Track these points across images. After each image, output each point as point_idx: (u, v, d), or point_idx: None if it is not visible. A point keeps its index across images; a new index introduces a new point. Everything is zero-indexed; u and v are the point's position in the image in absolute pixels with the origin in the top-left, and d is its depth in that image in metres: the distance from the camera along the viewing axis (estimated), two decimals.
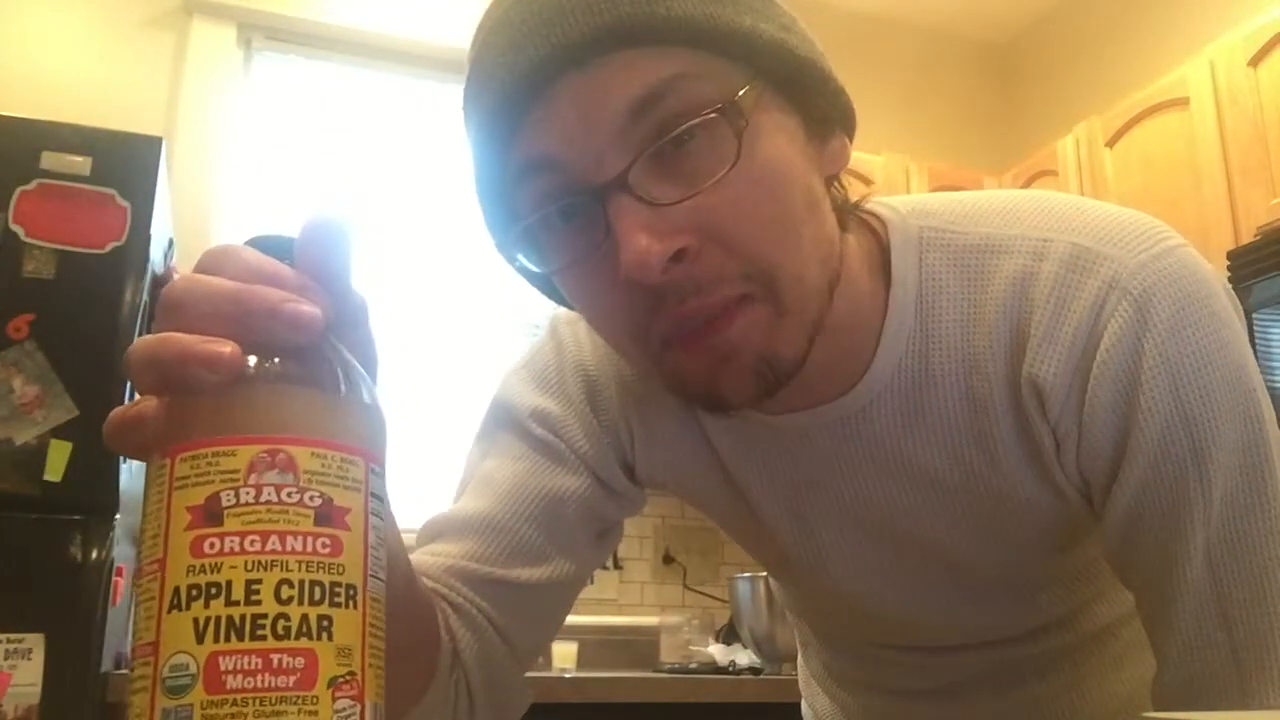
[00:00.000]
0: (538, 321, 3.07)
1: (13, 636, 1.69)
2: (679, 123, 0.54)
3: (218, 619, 0.35)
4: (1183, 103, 2.56)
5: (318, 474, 0.37)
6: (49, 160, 1.86)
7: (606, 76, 0.54)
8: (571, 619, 2.55)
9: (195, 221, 2.71)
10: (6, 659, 1.67)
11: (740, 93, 0.55)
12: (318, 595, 0.36)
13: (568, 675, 2.18)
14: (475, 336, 3.00)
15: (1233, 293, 0.67)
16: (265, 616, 0.35)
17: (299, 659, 0.35)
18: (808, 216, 0.58)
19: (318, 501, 0.37)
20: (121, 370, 1.84)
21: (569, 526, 0.74)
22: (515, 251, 0.62)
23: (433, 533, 0.78)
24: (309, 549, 0.36)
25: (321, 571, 0.36)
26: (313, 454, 0.37)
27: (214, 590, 0.35)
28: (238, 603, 0.35)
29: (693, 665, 2.46)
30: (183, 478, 0.37)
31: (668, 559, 2.95)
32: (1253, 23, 2.43)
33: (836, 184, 0.64)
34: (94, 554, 1.77)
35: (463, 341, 2.99)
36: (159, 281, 2.05)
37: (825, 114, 0.61)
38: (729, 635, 2.67)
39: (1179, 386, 0.59)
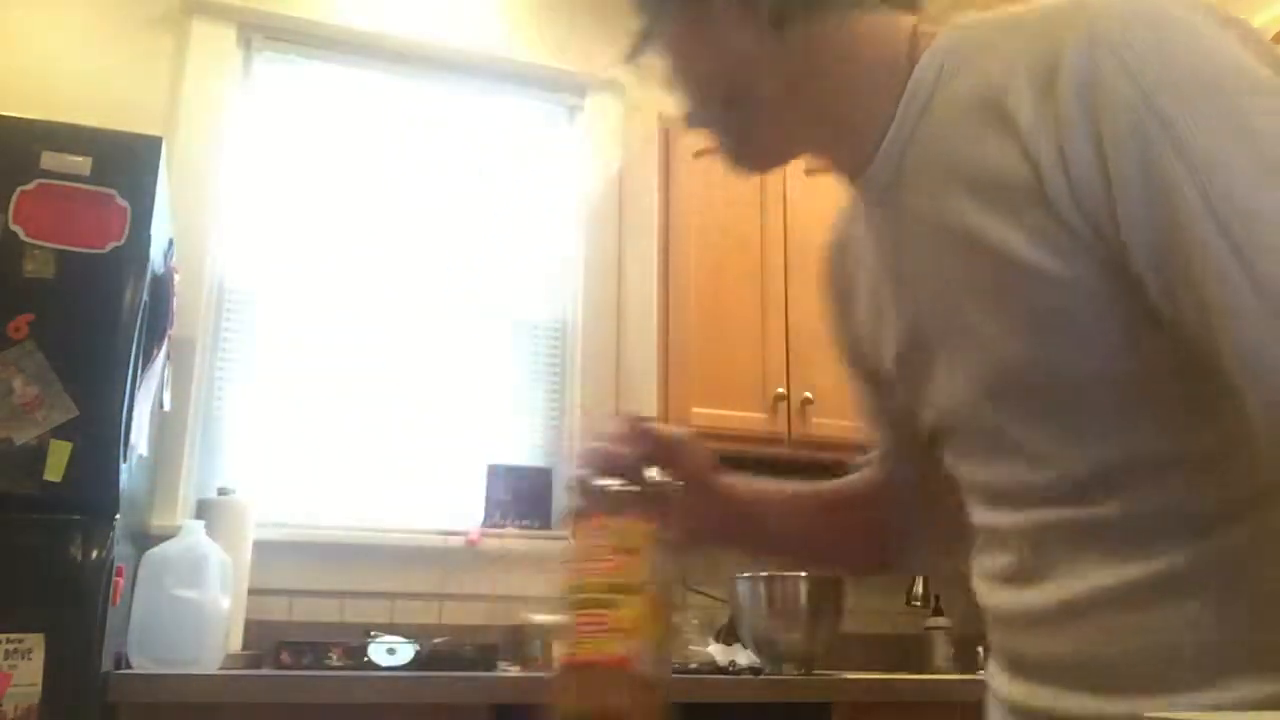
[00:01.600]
0: (534, 321, 3.07)
1: (13, 636, 1.69)
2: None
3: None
4: None
5: (615, 531, 0.81)
6: (49, 160, 1.86)
7: None
8: None
9: (195, 221, 2.71)
10: (6, 659, 1.67)
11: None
12: (607, 589, 0.80)
13: None
14: (472, 335, 3.00)
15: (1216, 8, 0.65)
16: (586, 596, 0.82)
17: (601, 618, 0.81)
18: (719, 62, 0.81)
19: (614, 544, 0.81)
20: (121, 370, 1.84)
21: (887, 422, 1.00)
22: None
23: None
24: (610, 566, 0.80)
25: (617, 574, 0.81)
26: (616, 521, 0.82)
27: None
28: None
29: (693, 665, 2.46)
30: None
31: None
32: (1253, 22, 2.43)
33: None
34: (94, 554, 1.77)
35: (461, 340, 2.98)
36: (159, 281, 2.05)
37: None
38: (729, 635, 2.67)
39: (1130, 72, 0.62)
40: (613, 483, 0.84)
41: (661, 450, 0.90)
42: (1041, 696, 0.76)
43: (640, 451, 0.88)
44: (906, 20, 0.78)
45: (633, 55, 0.86)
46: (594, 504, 0.84)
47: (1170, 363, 0.66)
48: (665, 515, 0.82)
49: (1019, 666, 0.79)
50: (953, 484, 0.84)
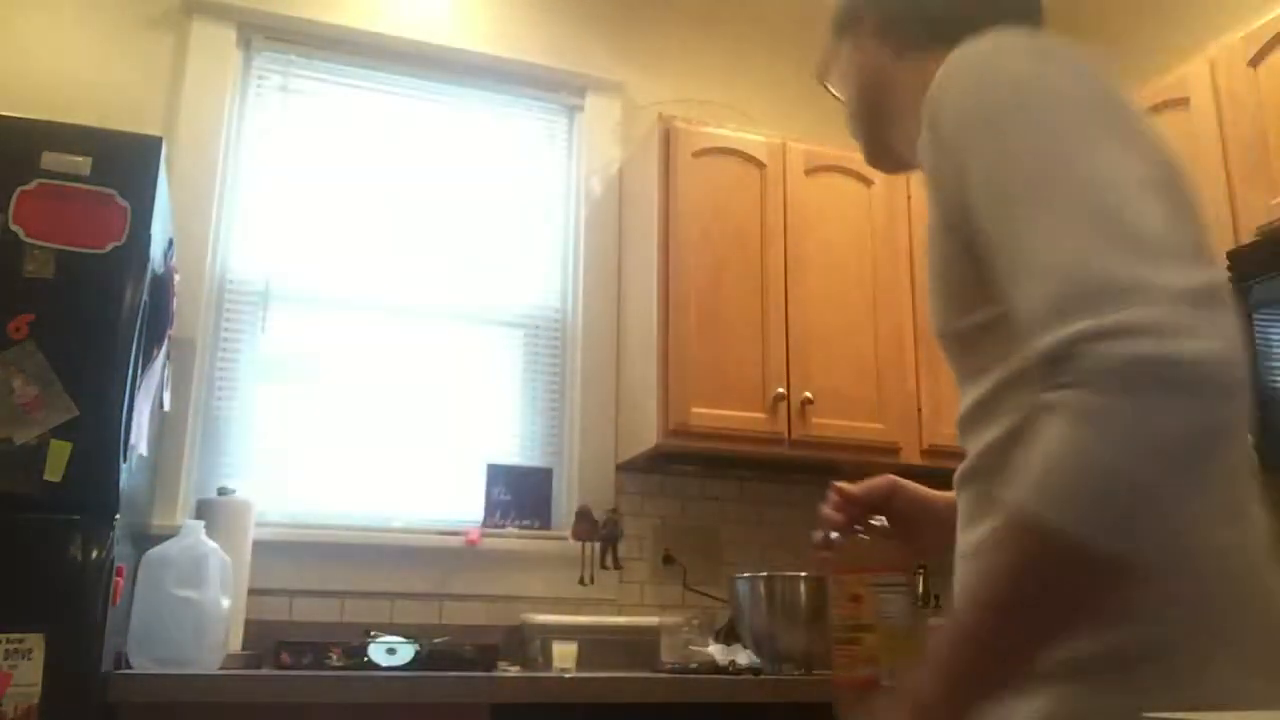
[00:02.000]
0: (534, 321, 3.07)
1: (13, 636, 1.69)
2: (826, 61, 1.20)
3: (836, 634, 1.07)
4: (1183, 103, 2.56)
5: (845, 583, 1.07)
6: (49, 160, 1.86)
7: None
8: (571, 619, 2.58)
9: (195, 221, 2.71)
10: (6, 659, 1.67)
11: (833, 43, 1.17)
12: (850, 625, 1.05)
13: (568, 675, 2.18)
14: (472, 334, 3.00)
15: (1044, 43, 0.91)
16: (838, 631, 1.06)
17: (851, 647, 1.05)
18: (861, 90, 1.13)
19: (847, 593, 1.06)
20: (121, 370, 1.84)
21: None
22: None
23: None
24: (846, 611, 1.05)
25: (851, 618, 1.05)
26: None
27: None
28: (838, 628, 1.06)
29: (693, 665, 2.46)
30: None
31: (668, 559, 2.95)
32: (1253, 23, 2.43)
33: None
34: (94, 554, 1.77)
35: (461, 340, 2.98)
36: (159, 281, 2.05)
37: (852, 13, 1.12)
38: (729, 635, 2.67)
39: (952, 110, 0.86)
40: (837, 537, 1.12)
41: (874, 504, 1.12)
42: None
43: (853, 514, 1.10)
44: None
45: (822, 75, 1.20)
46: (833, 559, 1.11)
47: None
48: (887, 558, 1.07)
49: None
50: None
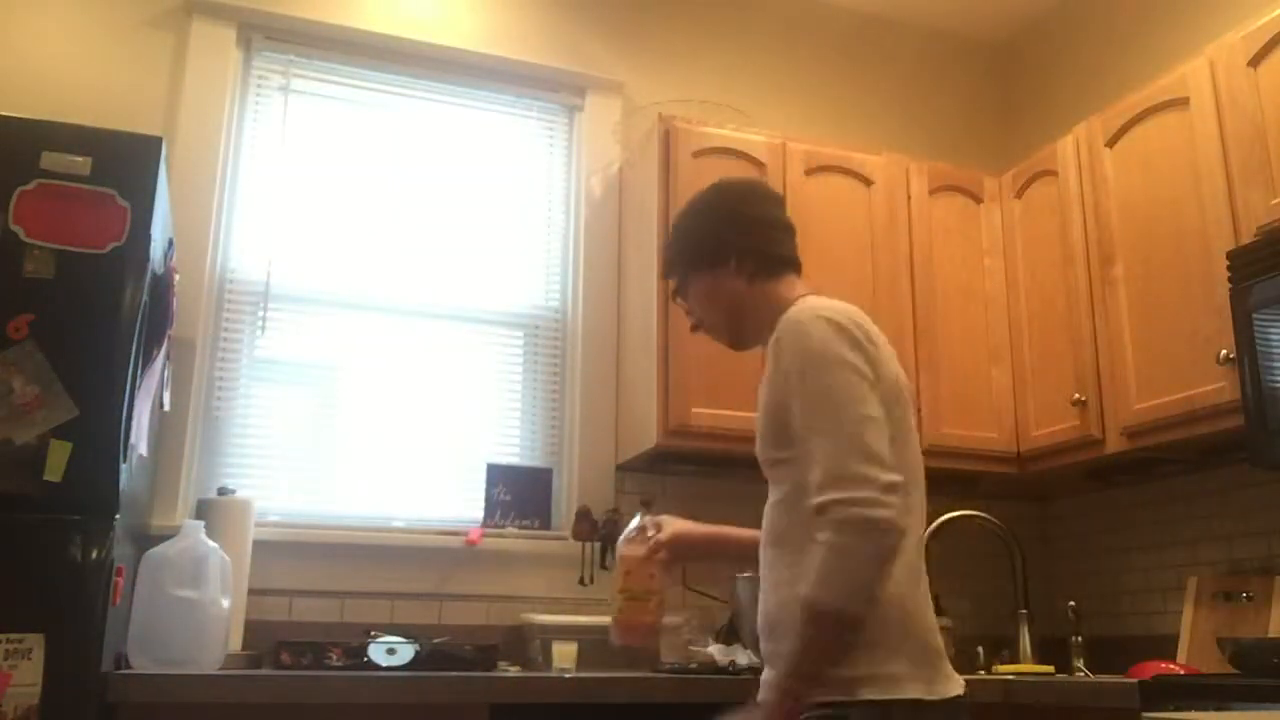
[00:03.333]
0: (534, 321, 3.07)
1: (13, 636, 1.69)
2: (677, 295, 1.78)
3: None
4: (1183, 103, 2.56)
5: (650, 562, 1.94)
6: (49, 160, 1.86)
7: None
8: (571, 619, 2.59)
9: (195, 221, 2.71)
10: (6, 659, 1.67)
11: (678, 284, 1.77)
12: (644, 589, 1.92)
13: (568, 675, 2.18)
14: (472, 334, 3.00)
15: (838, 321, 1.52)
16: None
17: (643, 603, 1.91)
18: (712, 308, 1.73)
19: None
20: (121, 370, 1.84)
21: None
22: None
23: None
24: (642, 581, 1.91)
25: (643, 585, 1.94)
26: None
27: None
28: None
29: (693, 665, 2.46)
30: None
31: None
32: (1253, 23, 2.43)
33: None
34: (94, 554, 1.77)
35: (461, 340, 2.98)
36: (159, 281, 2.05)
37: (715, 260, 1.69)
38: (729, 635, 2.67)
39: (785, 359, 1.52)
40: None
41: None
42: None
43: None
44: (799, 284, 1.70)
45: (675, 296, 1.78)
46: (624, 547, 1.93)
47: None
48: (656, 551, 1.89)
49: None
50: None
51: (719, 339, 1.74)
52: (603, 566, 2.80)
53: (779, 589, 1.52)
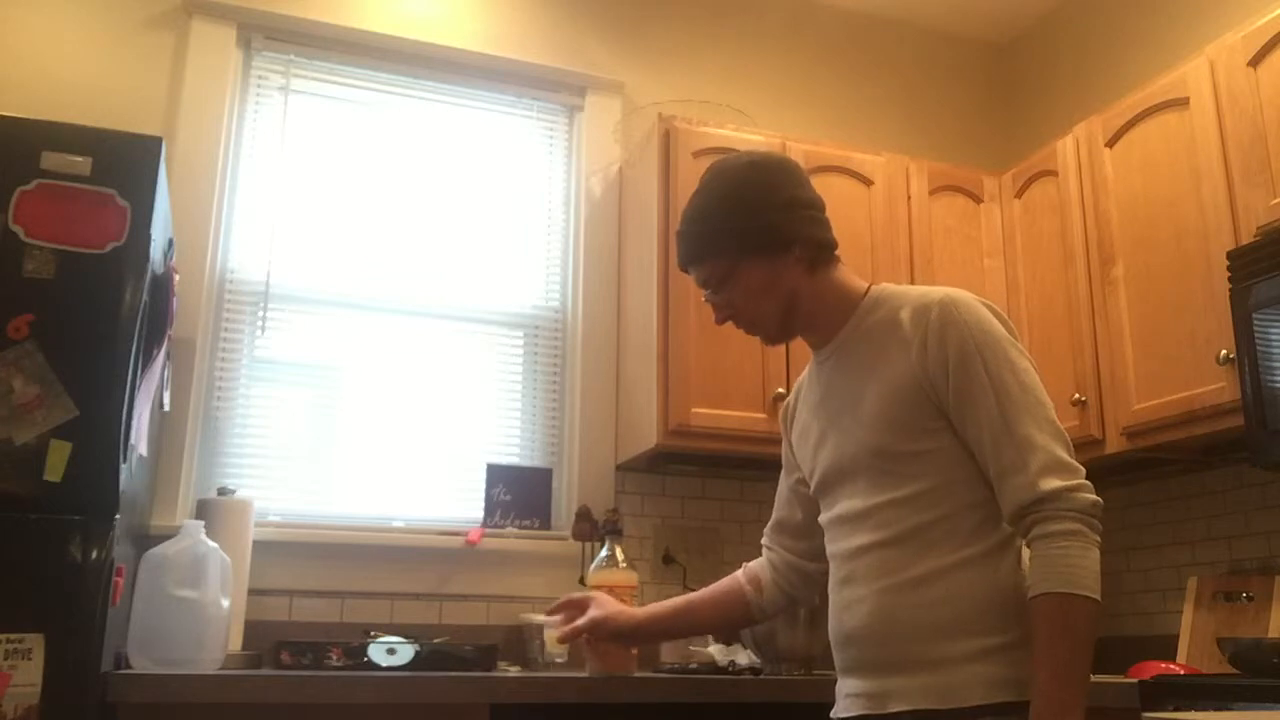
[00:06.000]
0: (534, 321, 3.08)
1: (13, 636, 1.69)
2: (711, 283, 1.60)
3: None
4: (1183, 103, 2.56)
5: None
6: (49, 160, 1.86)
7: (694, 272, 1.62)
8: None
9: (195, 221, 2.71)
10: (6, 659, 1.67)
11: (724, 272, 1.57)
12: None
13: (568, 675, 2.18)
14: (472, 334, 3.00)
15: (995, 308, 1.48)
16: None
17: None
18: (763, 299, 1.56)
19: None
20: (121, 370, 1.84)
21: (789, 485, 1.77)
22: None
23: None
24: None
25: None
26: None
27: None
28: None
29: (693, 665, 2.46)
30: None
31: (668, 559, 2.95)
32: (1253, 23, 2.43)
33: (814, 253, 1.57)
34: (94, 554, 1.77)
35: (461, 340, 2.99)
36: (159, 281, 2.05)
37: (774, 248, 1.54)
38: (729, 635, 2.67)
39: (957, 335, 1.42)
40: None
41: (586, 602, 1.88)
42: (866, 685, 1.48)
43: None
44: (852, 272, 1.61)
45: (706, 285, 1.61)
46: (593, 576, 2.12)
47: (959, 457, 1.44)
48: (573, 636, 1.86)
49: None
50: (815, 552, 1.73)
51: (756, 331, 1.60)
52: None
53: (901, 591, 1.40)
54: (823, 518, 1.60)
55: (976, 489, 1.40)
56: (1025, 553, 1.39)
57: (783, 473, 1.79)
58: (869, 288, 1.56)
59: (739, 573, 1.84)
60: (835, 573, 1.53)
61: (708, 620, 1.84)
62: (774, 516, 1.80)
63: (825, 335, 1.57)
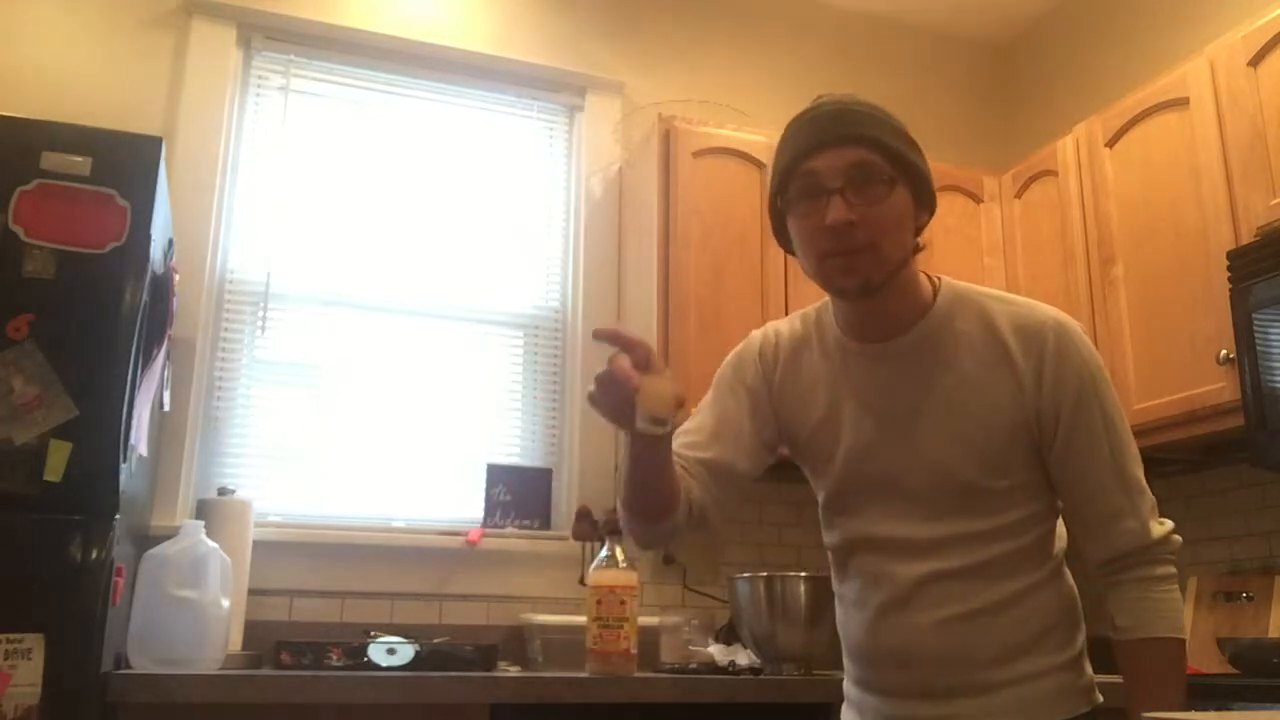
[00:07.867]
0: (534, 321, 3.07)
1: (13, 636, 1.69)
2: (864, 176, 1.34)
3: None
4: (1182, 103, 2.56)
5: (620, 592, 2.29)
6: (49, 160, 1.86)
7: (850, 152, 1.35)
8: (571, 619, 2.57)
9: (195, 221, 2.71)
10: (6, 659, 1.67)
11: (889, 176, 1.35)
12: (617, 617, 2.26)
13: (568, 674, 2.18)
14: (472, 334, 3.00)
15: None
16: None
17: (617, 630, 2.26)
18: (900, 235, 1.36)
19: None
20: (121, 370, 1.84)
21: (738, 431, 1.47)
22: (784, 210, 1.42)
23: (682, 431, 1.47)
24: (614, 610, 2.28)
25: (618, 614, 2.29)
26: None
27: None
28: None
29: (693, 665, 2.46)
30: None
31: (668, 559, 2.95)
32: (1253, 23, 2.43)
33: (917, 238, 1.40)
34: (94, 554, 1.77)
35: (461, 340, 2.98)
36: (159, 281, 2.05)
37: (923, 201, 1.41)
38: (729, 635, 2.67)
39: (1075, 371, 1.36)
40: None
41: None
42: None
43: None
44: None
45: (857, 186, 1.34)
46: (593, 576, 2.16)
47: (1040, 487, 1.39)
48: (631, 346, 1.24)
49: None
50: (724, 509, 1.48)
51: (875, 264, 1.33)
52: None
53: (975, 618, 1.33)
54: (839, 522, 1.44)
55: (1049, 518, 1.40)
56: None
57: (734, 414, 1.47)
58: (939, 282, 1.44)
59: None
60: (876, 593, 1.38)
61: (669, 486, 1.37)
62: (705, 452, 1.44)
63: (894, 324, 1.40)
